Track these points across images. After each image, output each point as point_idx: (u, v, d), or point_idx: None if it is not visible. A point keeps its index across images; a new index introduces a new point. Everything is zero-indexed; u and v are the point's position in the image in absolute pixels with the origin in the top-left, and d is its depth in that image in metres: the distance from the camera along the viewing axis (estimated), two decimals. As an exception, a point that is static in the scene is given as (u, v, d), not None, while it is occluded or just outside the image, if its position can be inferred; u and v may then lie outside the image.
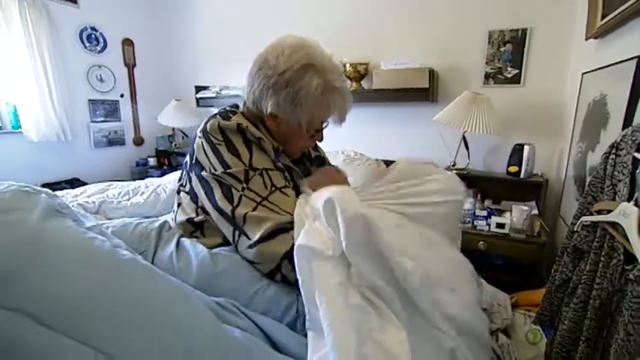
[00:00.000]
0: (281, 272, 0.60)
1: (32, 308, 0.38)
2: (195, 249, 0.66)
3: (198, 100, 2.75)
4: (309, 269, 0.49)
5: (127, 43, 2.89)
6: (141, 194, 1.68)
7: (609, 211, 0.75)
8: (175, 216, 0.81)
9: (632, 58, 0.97)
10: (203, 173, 0.71)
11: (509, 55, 1.80)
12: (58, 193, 1.76)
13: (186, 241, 0.69)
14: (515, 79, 1.80)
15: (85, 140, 2.71)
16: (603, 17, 1.22)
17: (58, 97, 2.37)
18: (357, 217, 0.52)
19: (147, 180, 2.15)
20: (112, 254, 0.48)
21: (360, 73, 2.05)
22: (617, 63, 1.07)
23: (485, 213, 1.64)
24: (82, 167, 2.67)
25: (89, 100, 2.69)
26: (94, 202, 1.53)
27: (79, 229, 0.52)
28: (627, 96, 0.95)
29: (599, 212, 0.81)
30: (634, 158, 0.70)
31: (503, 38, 1.80)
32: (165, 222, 0.76)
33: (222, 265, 0.62)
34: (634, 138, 0.73)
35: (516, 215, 1.49)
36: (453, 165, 1.87)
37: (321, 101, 0.75)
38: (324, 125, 0.85)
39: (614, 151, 0.79)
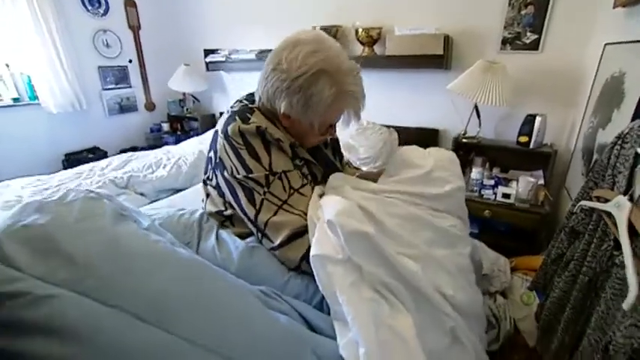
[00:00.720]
0: (302, 269, 0.71)
1: (127, 305, 0.48)
2: (234, 242, 0.76)
3: (207, 64, 2.71)
4: (325, 274, 0.59)
5: (130, 3, 2.78)
6: (163, 167, 1.77)
7: (606, 200, 0.81)
8: (205, 205, 0.90)
9: None
10: (226, 174, 0.77)
11: (529, 18, 1.72)
12: (86, 166, 1.87)
13: (224, 233, 0.79)
14: (534, 45, 1.74)
15: (99, 108, 2.75)
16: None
17: (69, 65, 2.37)
18: (356, 233, 0.60)
19: (164, 149, 2.24)
20: (174, 254, 0.58)
21: (373, 38, 1.99)
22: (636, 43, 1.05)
23: (492, 182, 1.71)
24: (99, 135, 2.75)
25: (99, 67, 2.68)
26: (122, 177, 1.63)
27: (142, 232, 0.61)
28: (638, 93, 0.95)
29: (597, 198, 0.88)
30: (636, 153, 0.75)
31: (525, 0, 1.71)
32: (203, 214, 0.85)
33: (258, 256, 0.72)
34: (639, 134, 0.77)
35: (522, 186, 1.56)
36: (464, 133, 1.89)
37: (333, 106, 0.77)
38: (335, 122, 0.88)
39: (619, 142, 0.83)
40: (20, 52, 2.21)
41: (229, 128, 0.77)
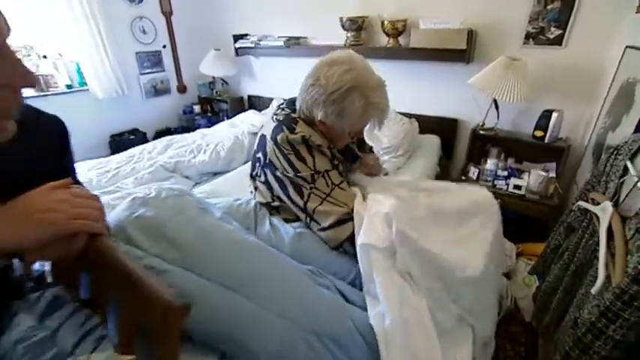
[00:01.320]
0: (343, 248, 0.89)
1: (218, 278, 0.68)
2: (285, 228, 0.95)
3: (236, 49, 2.83)
4: (367, 258, 0.77)
5: (163, -12, 2.89)
6: (204, 152, 1.97)
7: (598, 203, 0.94)
8: (255, 196, 1.09)
9: None
10: (277, 173, 0.95)
11: (555, 13, 1.75)
12: (135, 149, 2.10)
13: (275, 220, 0.98)
14: (557, 41, 1.78)
15: (137, 92, 2.95)
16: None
17: (112, 52, 2.55)
18: (402, 231, 0.78)
19: (200, 133, 2.44)
20: (244, 240, 0.78)
21: (398, 29, 2.06)
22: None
23: (505, 173, 1.83)
24: (138, 118, 2.98)
25: (136, 53, 2.85)
26: (170, 162, 1.85)
27: (220, 222, 0.81)
28: None
29: (592, 200, 1.01)
30: (625, 166, 0.87)
31: (552, -6, 1.73)
32: (256, 203, 1.04)
33: (305, 240, 0.91)
34: (631, 147, 0.89)
35: (533, 179, 1.68)
36: (482, 125, 1.99)
37: (362, 116, 0.93)
38: (364, 129, 1.03)
39: (614, 153, 0.95)
40: (70, 41, 2.41)
41: (279, 137, 0.94)
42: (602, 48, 1.66)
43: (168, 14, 3.00)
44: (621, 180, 0.87)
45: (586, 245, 0.97)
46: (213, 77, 3.16)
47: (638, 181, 0.78)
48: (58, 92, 2.46)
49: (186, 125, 3.19)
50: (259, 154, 1.03)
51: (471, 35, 1.82)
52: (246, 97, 3.18)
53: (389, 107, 0.99)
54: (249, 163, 1.96)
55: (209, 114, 3.27)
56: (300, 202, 0.93)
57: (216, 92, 3.21)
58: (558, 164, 1.80)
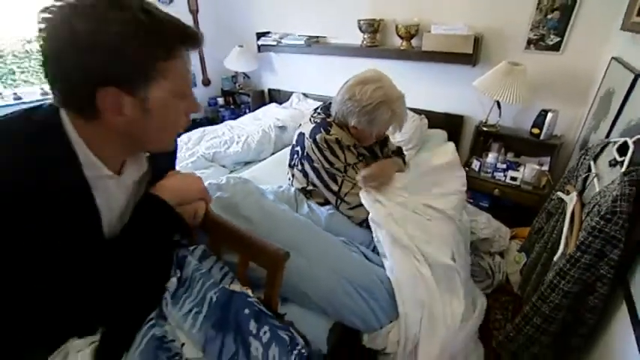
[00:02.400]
0: (366, 224, 1.17)
1: (288, 247, 0.96)
2: (320, 210, 1.22)
3: (259, 46, 3.04)
4: (376, 231, 1.05)
5: (191, -12, 3.10)
6: (237, 144, 2.23)
7: (570, 193, 1.18)
8: (292, 183, 1.35)
9: (636, 75, 1.19)
10: (314, 164, 1.21)
11: (554, 22, 1.93)
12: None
13: (312, 204, 1.25)
14: (556, 47, 1.97)
15: (168, 85, 3.20)
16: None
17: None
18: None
19: (227, 125, 2.69)
20: (297, 218, 1.05)
21: (411, 33, 2.26)
22: (627, 67, 1.32)
23: (504, 166, 2.06)
24: (169, 109, 3.24)
25: (167, 49, 3.09)
26: (208, 152, 2.12)
27: (275, 204, 1.08)
28: (617, 108, 1.26)
29: (567, 191, 1.25)
30: (589, 165, 1.11)
31: (552, 5, 1.91)
32: (295, 190, 1.31)
33: (336, 219, 1.18)
34: (595, 151, 1.12)
35: (527, 172, 1.91)
36: (485, 122, 2.21)
37: (387, 123, 1.19)
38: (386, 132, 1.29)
39: (585, 153, 1.18)
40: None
41: (317, 137, 1.20)
42: (594, 56, 1.85)
43: (195, 12, 3.22)
44: (585, 175, 1.11)
45: (558, 227, 1.22)
46: (236, 71, 3.39)
47: (593, 177, 1.02)
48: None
49: (211, 116, 3.44)
50: (298, 148, 1.29)
51: (477, 41, 2.02)
52: (266, 91, 3.41)
53: (407, 114, 1.25)
54: (278, 153, 2.25)
55: (232, 106, 3.52)
56: (335, 187, 1.20)
57: (239, 86, 3.45)
58: (552, 159, 2.03)
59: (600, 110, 1.56)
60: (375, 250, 1.13)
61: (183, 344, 0.60)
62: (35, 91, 2.41)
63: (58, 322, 0.59)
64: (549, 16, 1.94)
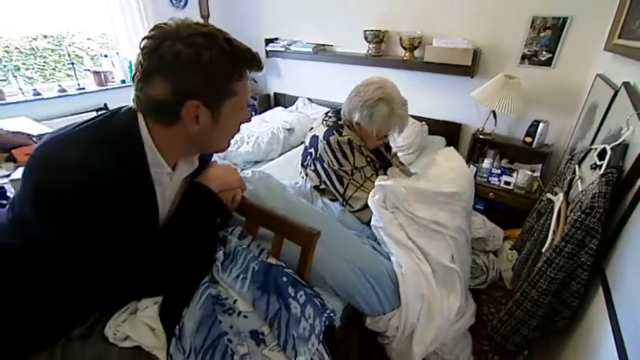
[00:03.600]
0: (369, 224, 1.28)
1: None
2: (333, 205, 1.34)
3: (267, 52, 3.18)
4: (378, 234, 1.18)
5: (203, -5, 3.24)
6: (247, 143, 2.35)
7: (557, 194, 1.32)
8: (306, 181, 1.47)
9: (615, 91, 1.34)
10: (325, 165, 1.32)
11: (546, 40, 2.10)
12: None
13: (326, 199, 1.37)
14: (548, 62, 2.14)
15: (178, 86, 3.32)
16: (620, 36, 1.54)
17: (160, 52, 2.91)
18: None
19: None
20: (317, 211, 1.17)
21: (414, 45, 2.42)
22: (609, 84, 1.48)
23: (499, 172, 2.20)
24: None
25: (178, 52, 3.21)
26: (226, 150, 2.23)
27: (295, 197, 1.20)
28: (599, 120, 1.40)
29: (555, 193, 1.38)
30: (574, 169, 1.25)
31: (544, 24, 2.08)
32: (311, 186, 1.42)
33: (346, 215, 1.30)
34: (579, 156, 1.26)
35: (520, 177, 2.06)
36: (482, 130, 2.36)
37: (386, 120, 1.28)
38: (388, 134, 1.40)
39: (571, 159, 1.33)
40: (128, 40, 2.77)
41: (331, 139, 1.32)
42: (582, 72, 2.02)
43: (205, 17, 3.34)
44: (570, 178, 1.25)
45: (547, 224, 1.36)
46: (244, 75, 3.51)
47: (577, 179, 1.16)
48: (115, 87, 2.83)
49: (218, 117, 3.56)
50: (311, 150, 1.41)
51: (475, 54, 2.18)
52: (272, 95, 3.54)
53: (408, 119, 1.37)
54: (287, 154, 2.38)
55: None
56: (341, 189, 1.31)
57: (246, 89, 3.57)
58: (543, 165, 2.18)
59: (587, 121, 1.71)
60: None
61: (235, 300, 0.71)
62: (53, 87, 2.51)
63: (130, 284, 0.71)
64: (542, 34, 2.10)
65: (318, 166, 1.36)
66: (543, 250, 1.15)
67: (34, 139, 1.56)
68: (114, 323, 0.70)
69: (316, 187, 1.42)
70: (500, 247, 2.05)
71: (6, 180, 1.27)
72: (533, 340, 1.22)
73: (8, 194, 1.21)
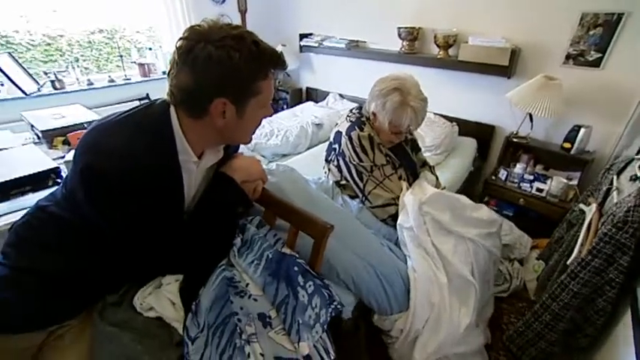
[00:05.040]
0: (386, 222, 1.29)
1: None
2: (352, 203, 1.36)
3: (301, 46, 3.22)
4: (402, 233, 1.17)
5: (241, -10, 3.33)
6: (276, 136, 2.41)
7: (590, 205, 1.25)
8: (327, 176, 1.50)
9: None
10: (346, 160, 1.34)
11: (596, 38, 1.95)
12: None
13: (346, 197, 1.39)
14: (596, 63, 1.98)
15: (214, 78, 3.46)
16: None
17: (199, 46, 3.05)
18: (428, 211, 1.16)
19: (266, 119, 2.88)
20: (336, 207, 1.20)
21: (449, 43, 2.34)
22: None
23: (531, 178, 2.10)
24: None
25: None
26: (250, 143, 2.31)
27: (317, 191, 1.23)
28: None
29: (589, 203, 1.31)
30: (612, 179, 1.18)
31: (595, 21, 1.93)
32: (332, 183, 1.45)
33: (364, 213, 1.31)
34: (619, 166, 1.19)
35: (554, 185, 1.95)
36: (516, 133, 2.25)
37: (397, 110, 1.26)
38: (402, 129, 1.34)
39: (609, 168, 1.24)
40: (170, 34, 2.93)
41: (352, 134, 1.33)
42: (636, 75, 1.86)
43: (243, 12, 3.44)
44: (606, 188, 1.18)
45: (576, 236, 1.29)
46: (277, 69, 3.58)
47: (614, 190, 1.09)
48: (157, 78, 3.01)
49: (251, 110, 3.67)
50: (335, 145, 1.43)
51: (514, 53, 2.08)
52: (304, 89, 3.59)
53: (423, 116, 1.32)
54: (314, 148, 2.42)
55: (271, 102, 3.72)
56: (360, 184, 1.33)
57: (279, 82, 3.65)
58: (582, 174, 2.04)
59: (636, 129, 1.59)
60: (397, 244, 1.25)
61: (247, 284, 0.77)
62: (104, 77, 2.71)
63: (156, 262, 0.78)
64: (591, 32, 1.95)
65: (341, 162, 1.39)
66: (568, 262, 1.10)
67: (86, 125, 1.72)
68: (141, 295, 0.78)
69: (337, 183, 1.45)
70: (526, 255, 1.97)
71: (61, 161, 1.42)
72: (552, 355, 1.18)
73: (62, 174, 1.35)
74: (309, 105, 3.14)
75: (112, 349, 0.71)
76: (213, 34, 0.67)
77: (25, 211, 0.85)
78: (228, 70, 0.68)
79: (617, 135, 1.98)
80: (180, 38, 0.69)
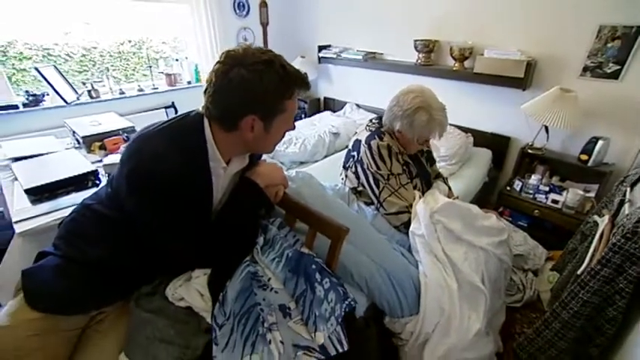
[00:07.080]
0: (399, 229, 1.34)
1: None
2: (368, 209, 1.42)
3: (320, 58, 3.33)
4: (414, 240, 1.22)
5: (263, 4, 3.48)
6: (294, 144, 2.50)
7: (603, 216, 1.26)
8: (345, 182, 1.57)
9: None
10: (364, 167, 1.41)
11: (614, 51, 1.96)
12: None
13: (361, 203, 1.45)
14: (614, 75, 1.99)
15: (235, 88, 3.61)
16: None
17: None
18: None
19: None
20: (352, 213, 1.26)
21: (465, 55, 2.39)
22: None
23: (547, 189, 2.10)
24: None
25: (239, 57, 3.50)
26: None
27: (334, 197, 1.30)
28: None
29: (603, 215, 1.32)
30: (625, 191, 1.19)
31: (613, 34, 1.94)
32: (349, 189, 1.52)
33: (378, 219, 1.37)
34: (633, 178, 1.20)
35: (570, 196, 1.95)
36: (531, 144, 2.26)
37: (426, 127, 1.33)
38: (429, 138, 1.43)
39: (622, 181, 1.26)
40: (194, 47, 3.09)
41: (372, 143, 1.40)
42: (655, 87, 1.85)
43: (264, 25, 3.60)
44: (620, 200, 1.19)
45: (590, 247, 1.30)
46: (295, 79, 3.71)
47: (626, 202, 1.11)
48: (182, 87, 3.18)
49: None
50: (354, 153, 1.50)
51: (529, 66, 2.10)
52: (322, 99, 3.69)
53: (447, 123, 1.39)
54: (331, 157, 2.49)
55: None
56: (376, 191, 1.39)
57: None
58: (600, 186, 2.03)
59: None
60: (409, 250, 1.30)
61: (269, 278, 0.84)
62: (134, 87, 2.90)
63: (187, 257, 0.87)
64: (609, 45, 1.97)
65: (359, 169, 1.45)
66: (579, 272, 1.12)
67: (121, 131, 1.86)
68: (173, 286, 0.86)
69: (353, 190, 1.52)
70: (541, 267, 1.96)
71: (99, 164, 1.55)
72: (561, 363, 1.19)
73: (100, 176, 1.48)
74: (326, 114, 3.23)
75: (147, 332, 0.79)
76: (247, 58, 0.76)
77: (71, 209, 0.97)
78: (259, 91, 0.77)
79: (636, 147, 1.97)
80: (218, 62, 0.79)
